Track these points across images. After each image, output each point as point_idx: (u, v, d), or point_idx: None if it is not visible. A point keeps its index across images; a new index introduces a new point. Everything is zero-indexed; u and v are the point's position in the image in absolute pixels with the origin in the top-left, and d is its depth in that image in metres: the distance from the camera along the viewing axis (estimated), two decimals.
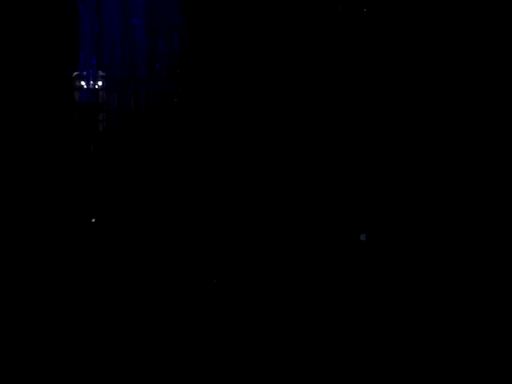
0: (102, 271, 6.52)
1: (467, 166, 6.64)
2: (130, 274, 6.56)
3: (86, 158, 6.94)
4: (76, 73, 7.00)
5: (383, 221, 6.81)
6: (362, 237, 6.82)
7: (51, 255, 6.47)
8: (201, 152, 7.00)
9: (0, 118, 6.61)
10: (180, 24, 6.96)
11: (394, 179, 6.82)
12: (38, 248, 6.46)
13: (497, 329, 5.96)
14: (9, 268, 6.31)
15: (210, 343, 5.98)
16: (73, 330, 6.01)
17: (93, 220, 6.81)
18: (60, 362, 5.71)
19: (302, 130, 6.97)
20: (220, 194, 6.92)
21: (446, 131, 6.73)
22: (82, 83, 7.03)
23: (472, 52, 6.65)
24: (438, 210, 6.65)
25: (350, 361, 5.81)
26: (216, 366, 5.76)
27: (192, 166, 6.98)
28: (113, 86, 7.08)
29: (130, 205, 6.89)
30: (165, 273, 6.60)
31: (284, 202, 6.90)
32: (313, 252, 6.73)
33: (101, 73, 7.06)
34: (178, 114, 7.08)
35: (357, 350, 5.90)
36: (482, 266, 6.36)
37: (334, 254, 6.72)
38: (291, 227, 6.84)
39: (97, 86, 7.07)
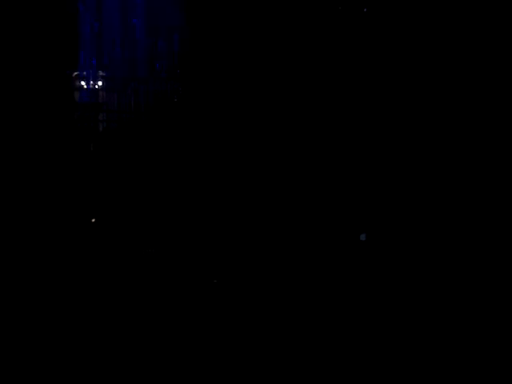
0: (102, 271, 6.52)
1: (467, 166, 6.64)
2: (130, 273, 6.56)
3: (86, 158, 6.94)
4: (76, 73, 7.00)
5: (383, 221, 6.81)
6: (362, 237, 6.82)
7: (51, 255, 6.47)
8: (201, 152, 7.00)
9: (0, 118, 6.61)
10: (180, 24, 6.96)
11: (393, 179, 6.82)
12: (38, 248, 6.46)
13: (496, 329, 5.96)
14: (8, 268, 6.31)
15: (209, 343, 5.98)
16: (72, 330, 6.01)
17: (93, 220, 6.81)
18: (60, 362, 5.72)
19: (301, 130, 6.96)
20: (220, 194, 6.92)
21: (445, 131, 6.73)
22: (82, 83, 7.03)
23: (472, 52, 6.65)
24: (438, 211, 6.65)
25: (349, 361, 5.81)
26: (216, 366, 5.77)
27: (192, 166, 6.97)
28: (113, 86, 7.08)
29: (130, 205, 6.89)
30: (165, 273, 6.60)
31: (284, 202, 6.90)
32: (313, 252, 6.73)
33: (101, 73, 7.05)
34: (177, 114, 7.07)
35: (356, 350, 5.90)
36: (482, 266, 6.36)
37: (334, 254, 6.72)
38: (291, 227, 6.84)
39: (97, 86, 7.06)
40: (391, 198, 6.80)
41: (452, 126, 6.70)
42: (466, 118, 6.66)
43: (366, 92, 6.91)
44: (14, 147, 6.60)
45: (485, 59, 6.61)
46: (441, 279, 6.40)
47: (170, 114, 7.07)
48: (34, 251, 6.44)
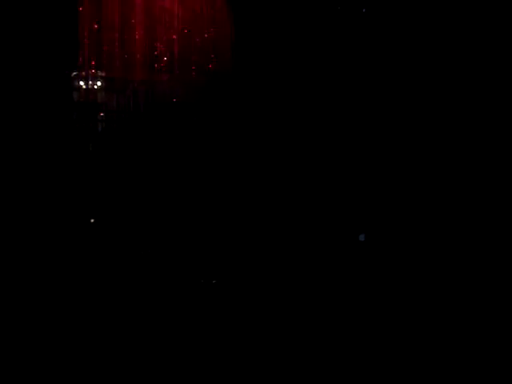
0: (100, 271, 6.52)
1: (467, 166, 6.66)
2: (128, 274, 6.55)
3: (85, 159, 6.93)
4: (75, 73, 6.99)
5: (382, 221, 6.82)
6: (361, 237, 6.83)
7: (49, 255, 6.46)
8: (200, 152, 7.00)
9: None
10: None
11: (393, 179, 6.84)
12: (36, 248, 6.45)
13: (496, 329, 5.98)
14: (7, 268, 6.30)
15: (209, 343, 5.98)
16: (71, 330, 6.00)
17: (91, 220, 6.80)
18: (59, 362, 5.71)
19: (301, 130, 6.97)
20: (219, 194, 6.92)
21: (445, 132, 6.75)
22: (81, 83, 7.01)
23: (472, 52, 6.67)
24: (438, 211, 6.67)
25: (349, 361, 5.83)
26: (215, 365, 5.77)
27: (191, 167, 6.97)
28: (112, 86, 7.07)
29: (129, 205, 6.88)
30: (163, 273, 6.60)
31: (283, 202, 6.90)
32: (312, 252, 6.74)
33: (100, 73, 7.04)
34: (177, 114, 7.07)
35: (356, 350, 5.92)
36: (482, 266, 6.38)
37: (333, 255, 6.73)
38: (290, 227, 6.84)
39: (96, 86, 7.05)
40: (390, 198, 6.82)
41: (452, 127, 6.72)
42: (466, 118, 6.68)
43: (366, 92, 6.93)
44: (11, 147, 6.58)
45: (485, 59, 6.63)
46: (441, 279, 6.42)
47: (169, 114, 7.07)
48: (32, 251, 6.43)
